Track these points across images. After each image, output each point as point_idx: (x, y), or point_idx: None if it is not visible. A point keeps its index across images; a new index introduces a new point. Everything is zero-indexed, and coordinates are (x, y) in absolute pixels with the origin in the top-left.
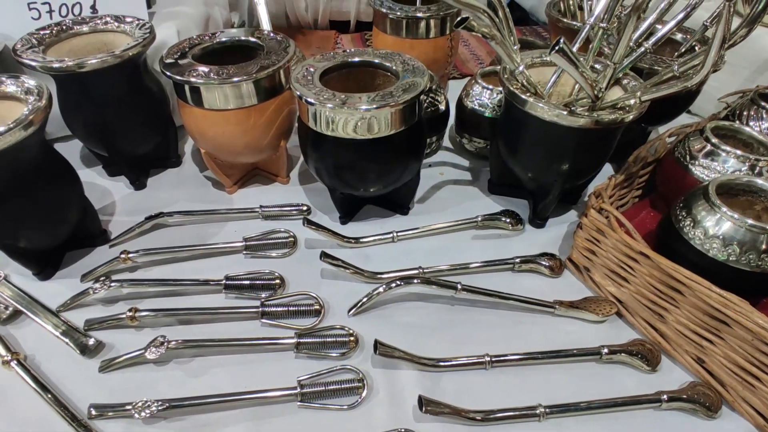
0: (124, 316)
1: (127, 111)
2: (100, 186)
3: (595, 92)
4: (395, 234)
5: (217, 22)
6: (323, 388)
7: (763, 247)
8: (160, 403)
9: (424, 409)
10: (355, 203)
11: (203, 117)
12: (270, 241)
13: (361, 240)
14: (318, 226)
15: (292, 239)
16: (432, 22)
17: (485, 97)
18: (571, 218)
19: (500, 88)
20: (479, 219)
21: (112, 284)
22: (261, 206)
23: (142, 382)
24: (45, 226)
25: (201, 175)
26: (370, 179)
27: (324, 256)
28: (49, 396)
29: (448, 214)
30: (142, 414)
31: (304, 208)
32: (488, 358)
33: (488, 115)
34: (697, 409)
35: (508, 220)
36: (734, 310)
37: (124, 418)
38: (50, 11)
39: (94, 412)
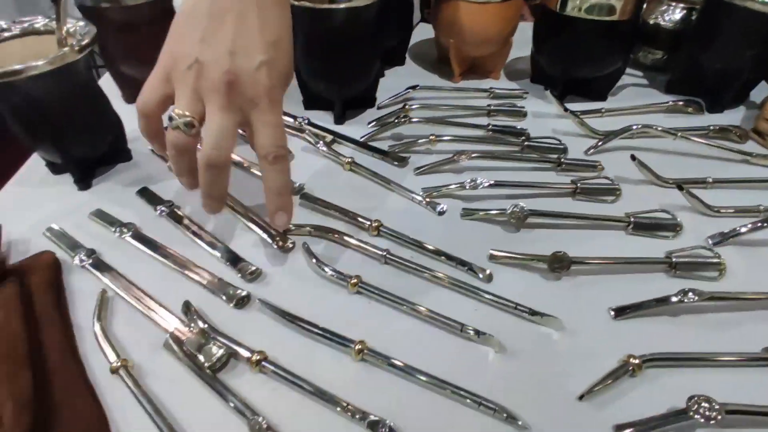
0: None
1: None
2: None
3: None
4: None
5: None
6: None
7: None
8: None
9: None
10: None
11: (465, 8)
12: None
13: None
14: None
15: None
16: None
17: (669, 14)
18: (741, 112)
19: (682, 5)
20: (669, 102)
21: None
22: (491, 87)
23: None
24: None
25: (425, 72)
26: (591, 62)
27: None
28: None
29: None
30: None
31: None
32: None
33: (670, 28)
34: None
35: (691, 108)
36: None
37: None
38: None
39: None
